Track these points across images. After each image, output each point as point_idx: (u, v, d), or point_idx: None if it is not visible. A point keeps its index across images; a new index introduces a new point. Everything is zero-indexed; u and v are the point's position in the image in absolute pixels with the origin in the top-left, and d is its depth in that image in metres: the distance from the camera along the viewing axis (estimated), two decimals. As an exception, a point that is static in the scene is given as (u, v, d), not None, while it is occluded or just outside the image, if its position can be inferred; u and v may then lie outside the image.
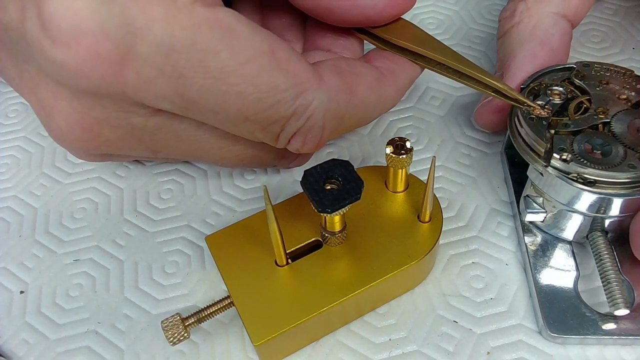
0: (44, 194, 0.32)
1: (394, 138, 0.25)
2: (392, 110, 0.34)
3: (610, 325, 0.24)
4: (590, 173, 0.23)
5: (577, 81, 0.27)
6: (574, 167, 0.24)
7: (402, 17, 0.29)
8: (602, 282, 0.24)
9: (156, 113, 0.24)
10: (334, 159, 0.23)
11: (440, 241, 0.26)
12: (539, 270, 0.26)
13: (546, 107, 0.26)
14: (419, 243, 0.25)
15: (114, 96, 0.22)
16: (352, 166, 0.23)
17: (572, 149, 0.24)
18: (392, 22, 0.28)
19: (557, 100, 0.26)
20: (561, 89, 0.26)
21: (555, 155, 0.24)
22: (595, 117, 0.25)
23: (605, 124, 0.25)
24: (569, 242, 0.27)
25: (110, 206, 0.31)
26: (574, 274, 0.26)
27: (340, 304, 0.24)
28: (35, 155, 0.34)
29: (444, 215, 0.27)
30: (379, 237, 0.25)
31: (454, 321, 0.26)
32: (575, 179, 0.24)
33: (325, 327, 0.25)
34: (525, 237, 0.27)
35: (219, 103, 0.22)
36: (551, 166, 0.24)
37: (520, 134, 0.26)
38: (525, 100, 0.26)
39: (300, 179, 0.23)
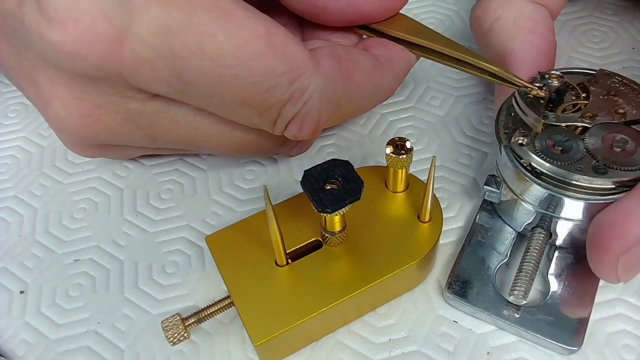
0: (44, 194, 0.32)
1: (394, 138, 0.25)
2: (392, 110, 0.34)
3: (507, 311, 0.25)
4: (537, 162, 0.24)
5: (588, 86, 0.26)
6: (526, 153, 0.24)
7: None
8: (517, 270, 0.24)
9: (153, 98, 0.24)
10: (334, 159, 0.23)
11: (440, 241, 0.26)
12: (473, 244, 0.27)
13: (544, 88, 0.26)
14: (419, 243, 0.25)
15: (112, 79, 0.22)
16: (352, 166, 0.23)
17: (532, 138, 0.24)
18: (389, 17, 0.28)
19: (555, 83, 0.26)
20: (558, 72, 0.26)
21: (514, 137, 0.24)
22: (579, 119, 0.25)
23: (585, 129, 0.25)
24: (517, 233, 0.27)
25: (110, 206, 0.31)
26: (502, 259, 0.26)
27: (340, 304, 0.24)
28: (35, 155, 0.34)
29: (444, 215, 0.27)
30: (379, 237, 0.25)
31: (454, 321, 0.26)
32: (524, 165, 0.24)
33: (325, 327, 0.25)
34: (479, 215, 0.28)
35: (215, 86, 0.22)
36: (510, 147, 0.24)
37: (503, 118, 0.26)
38: (522, 81, 0.26)
39: (300, 179, 0.23)
